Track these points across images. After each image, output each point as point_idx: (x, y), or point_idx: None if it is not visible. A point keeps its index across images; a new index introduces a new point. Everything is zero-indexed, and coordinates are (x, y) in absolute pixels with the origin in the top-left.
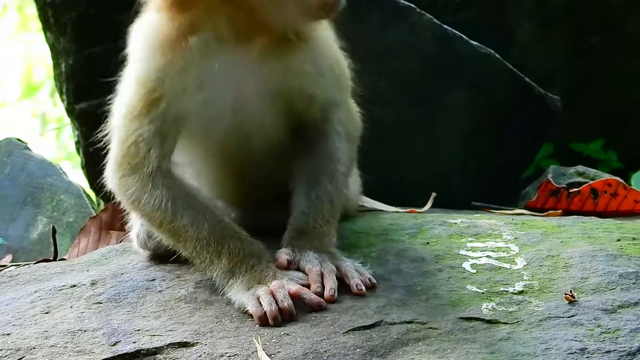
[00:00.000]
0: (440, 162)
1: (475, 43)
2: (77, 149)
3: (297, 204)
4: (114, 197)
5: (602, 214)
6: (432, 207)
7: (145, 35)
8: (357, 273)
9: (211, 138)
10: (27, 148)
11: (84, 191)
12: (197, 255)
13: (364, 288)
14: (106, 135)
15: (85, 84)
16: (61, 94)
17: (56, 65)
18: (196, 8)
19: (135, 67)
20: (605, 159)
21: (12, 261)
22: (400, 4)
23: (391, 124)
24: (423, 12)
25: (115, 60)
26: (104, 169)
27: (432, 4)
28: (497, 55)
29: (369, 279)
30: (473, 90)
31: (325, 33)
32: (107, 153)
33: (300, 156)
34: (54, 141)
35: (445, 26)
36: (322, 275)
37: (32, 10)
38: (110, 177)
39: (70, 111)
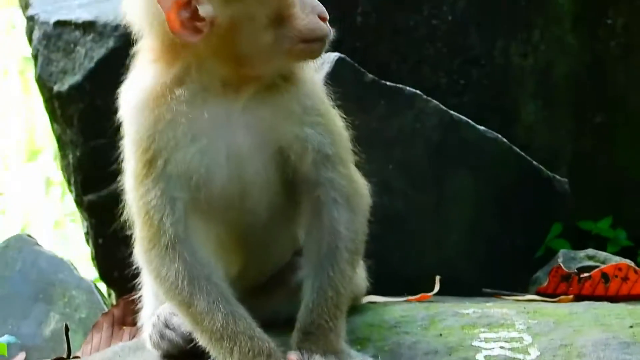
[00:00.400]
0: (448, 248)
1: (481, 128)
2: (87, 240)
3: (304, 296)
4: (125, 291)
5: (614, 299)
6: (443, 294)
7: (133, 94)
8: None
9: (210, 194)
10: (38, 244)
11: (96, 287)
12: (212, 347)
13: None
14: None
15: (93, 176)
16: (69, 185)
17: (63, 157)
18: (181, 61)
19: (128, 129)
20: (614, 237)
21: (25, 359)
22: (407, 91)
23: (398, 211)
24: (429, 98)
25: (121, 151)
26: (113, 260)
27: (436, 86)
28: (504, 139)
29: None
30: (479, 175)
31: (310, 76)
32: (117, 243)
33: (300, 229)
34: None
35: (452, 112)
36: None
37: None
38: (138, 254)
39: (79, 203)
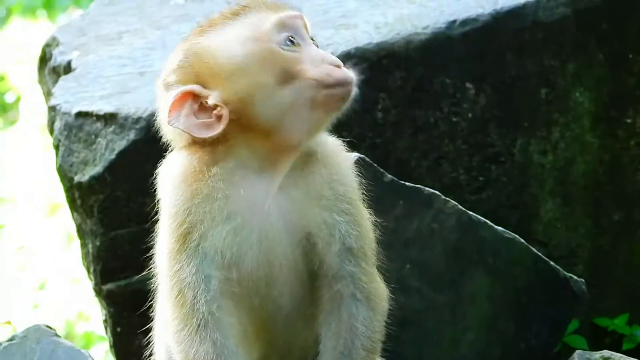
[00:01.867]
0: (464, 348)
1: (499, 228)
2: (105, 328)
3: None
4: None
5: None
6: None
7: (170, 172)
8: None
9: (240, 275)
10: (57, 335)
11: None
12: None
13: None
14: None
15: (112, 266)
16: (88, 273)
17: (83, 245)
18: (216, 143)
19: (164, 205)
20: (630, 334)
21: None
22: (425, 191)
23: (415, 310)
24: (447, 198)
25: (140, 242)
26: (131, 349)
27: (456, 183)
28: (521, 240)
29: None
30: (496, 275)
31: (345, 162)
32: (135, 333)
33: (319, 325)
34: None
35: (470, 212)
36: None
37: None
38: (170, 336)
39: (97, 292)
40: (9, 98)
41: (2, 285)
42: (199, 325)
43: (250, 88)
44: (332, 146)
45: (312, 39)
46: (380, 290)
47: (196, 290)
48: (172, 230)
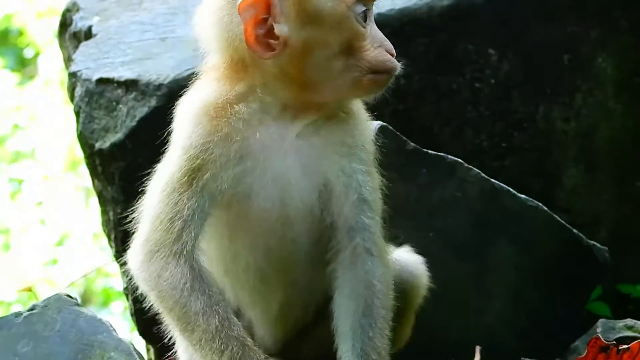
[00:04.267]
0: (489, 316)
1: (522, 196)
2: (126, 295)
3: (343, 357)
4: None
5: None
6: None
7: (192, 103)
8: None
9: (248, 215)
10: (78, 304)
11: (134, 348)
12: (200, 348)
13: None
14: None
15: (133, 233)
16: (109, 240)
17: (104, 212)
18: (245, 80)
19: (180, 135)
20: None
21: None
22: (448, 159)
23: (440, 279)
24: (471, 166)
25: None
26: (152, 315)
27: (479, 149)
28: (545, 208)
29: None
30: (520, 244)
31: (365, 115)
32: None
33: (334, 278)
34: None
35: (493, 180)
36: None
37: None
38: (134, 257)
39: (118, 259)
40: (28, 53)
41: (22, 241)
42: (179, 252)
43: (316, 42)
44: (356, 106)
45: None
46: (387, 250)
47: (188, 224)
48: (183, 162)
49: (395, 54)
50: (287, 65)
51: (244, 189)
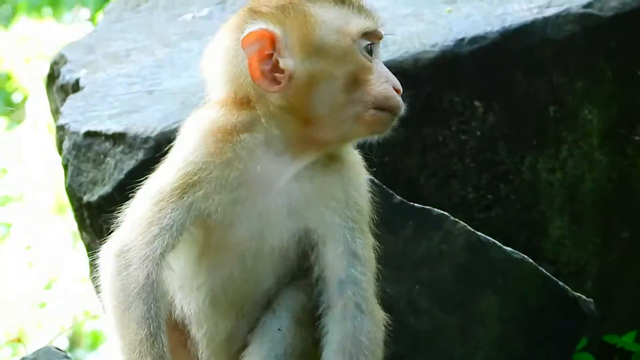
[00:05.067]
0: None
1: (508, 248)
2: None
3: None
4: None
5: None
6: None
7: (201, 123)
8: None
9: (221, 245)
10: (66, 357)
11: None
12: (122, 353)
13: None
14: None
15: None
16: (98, 292)
17: (92, 264)
18: (255, 110)
19: (183, 148)
20: (638, 350)
21: None
22: (434, 212)
23: (425, 331)
24: (457, 219)
25: None
26: None
27: (464, 201)
28: (530, 260)
29: None
30: (506, 295)
31: (362, 169)
32: None
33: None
34: None
35: (479, 233)
36: None
37: None
38: (105, 251)
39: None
40: (15, 98)
41: (10, 284)
42: (147, 257)
43: (321, 75)
44: (355, 157)
45: None
46: (378, 306)
47: (164, 233)
48: (180, 174)
49: (401, 91)
50: (293, 98)
51: (230, 216)
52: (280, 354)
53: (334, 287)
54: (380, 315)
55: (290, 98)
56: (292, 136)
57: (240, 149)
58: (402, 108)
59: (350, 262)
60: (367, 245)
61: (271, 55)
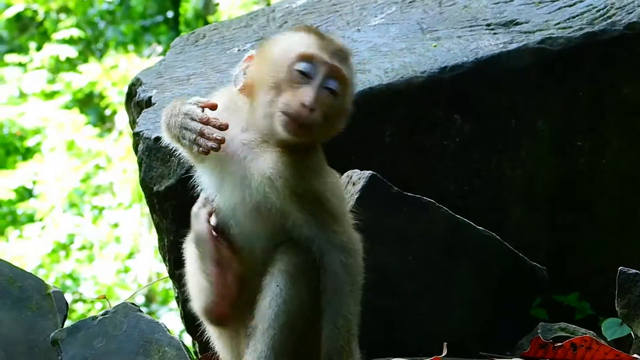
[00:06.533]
0: (453, 321)
1: (480, 228)
2: (177, 302)
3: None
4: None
5: None
6: (450, 356)
7: (220, 91)
8: None
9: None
10: (140, 311)
11: (184, 344)
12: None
13: None
14: None
15: (182, 256)
16: (164, 260)
17: (160, 239)
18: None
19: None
20: (580, 307)
21: None
22: (423, 200)
23: (415, 292)
24: (440, 205)
25: None
26: (197, 319)
27: (446, 192)
28: (497, 237)
29: None
30: (478, 265)
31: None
32: None
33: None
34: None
35: (457, 216)
36: None
37: None
38: None
39: (171, 275)
40: (106, 112)
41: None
42: None
43: (260, 79)
44: (319, 156)
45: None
46: (354, 238)
47: None
48: None
49: (311, 108)
50: (250, 93)
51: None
52: (280, 302)
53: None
54: (357, 247)
55: (249, 93)
56: (258, 121)
57: (233, 115)
58: (305, 117)
59: (312, 221)
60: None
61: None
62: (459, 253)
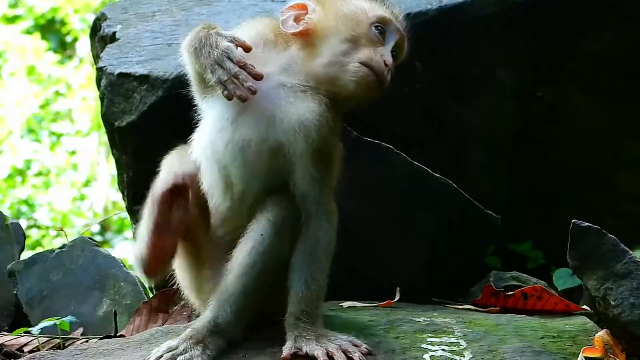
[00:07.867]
0: (409, 267)
1: (437, 175)
2: (134, 238)
3: (292, 285)
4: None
5: (530, 312)
6: (403, 301)
7: (245, 26)
8: (355, 347)
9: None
10: (97, 245)
11: (139, 280)
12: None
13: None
14: None
15: (141, 192)
16: (124, 196)
17: (120, 174)
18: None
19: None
20: (533, 256)
21: (82, 334)
22: (382, 146)
23: (375, 237)
24: (399, 152)
25: None
26: None
27: (407, 137)
28: (454, 185)
29: (365, 348)
30: (435, 212)
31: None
32: None
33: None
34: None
35: (416, 163)
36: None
37: None
38: None
39: (130, 210)
40: (68, 39)
41: (58, 181)
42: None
43: (334, 28)
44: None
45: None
46: (334, 209)
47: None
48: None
49: (390, 67)
50: (309, 39)
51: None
52: (261, 251)
53: (300, 197)
54: (334, 217)
55: (306, 38)
56: (298, 60)
57: (265, 51)
58: (385, 75)
59: (312, 185)
60: (330, 169)
61: (305, 9)
62: (417, 200)
